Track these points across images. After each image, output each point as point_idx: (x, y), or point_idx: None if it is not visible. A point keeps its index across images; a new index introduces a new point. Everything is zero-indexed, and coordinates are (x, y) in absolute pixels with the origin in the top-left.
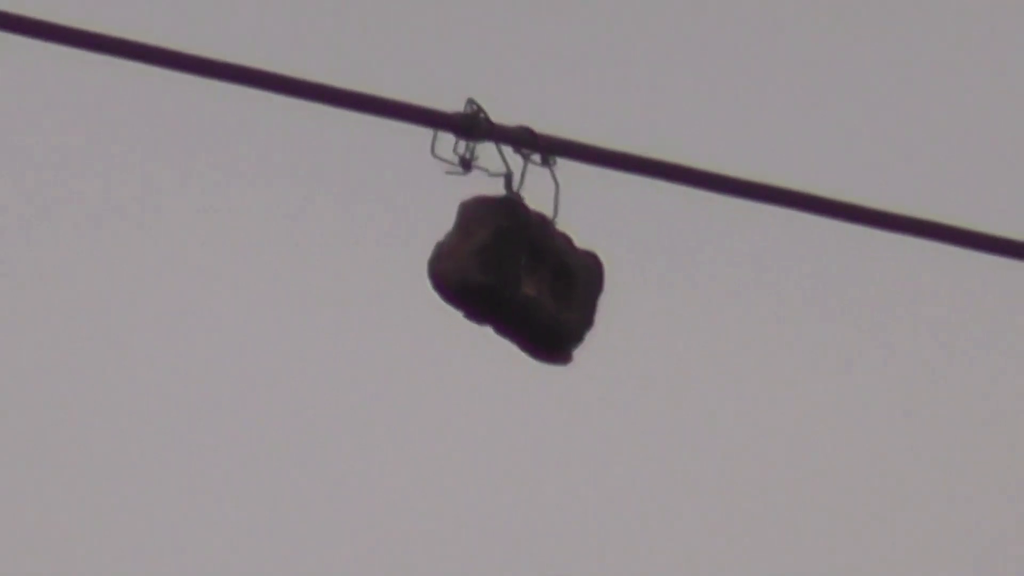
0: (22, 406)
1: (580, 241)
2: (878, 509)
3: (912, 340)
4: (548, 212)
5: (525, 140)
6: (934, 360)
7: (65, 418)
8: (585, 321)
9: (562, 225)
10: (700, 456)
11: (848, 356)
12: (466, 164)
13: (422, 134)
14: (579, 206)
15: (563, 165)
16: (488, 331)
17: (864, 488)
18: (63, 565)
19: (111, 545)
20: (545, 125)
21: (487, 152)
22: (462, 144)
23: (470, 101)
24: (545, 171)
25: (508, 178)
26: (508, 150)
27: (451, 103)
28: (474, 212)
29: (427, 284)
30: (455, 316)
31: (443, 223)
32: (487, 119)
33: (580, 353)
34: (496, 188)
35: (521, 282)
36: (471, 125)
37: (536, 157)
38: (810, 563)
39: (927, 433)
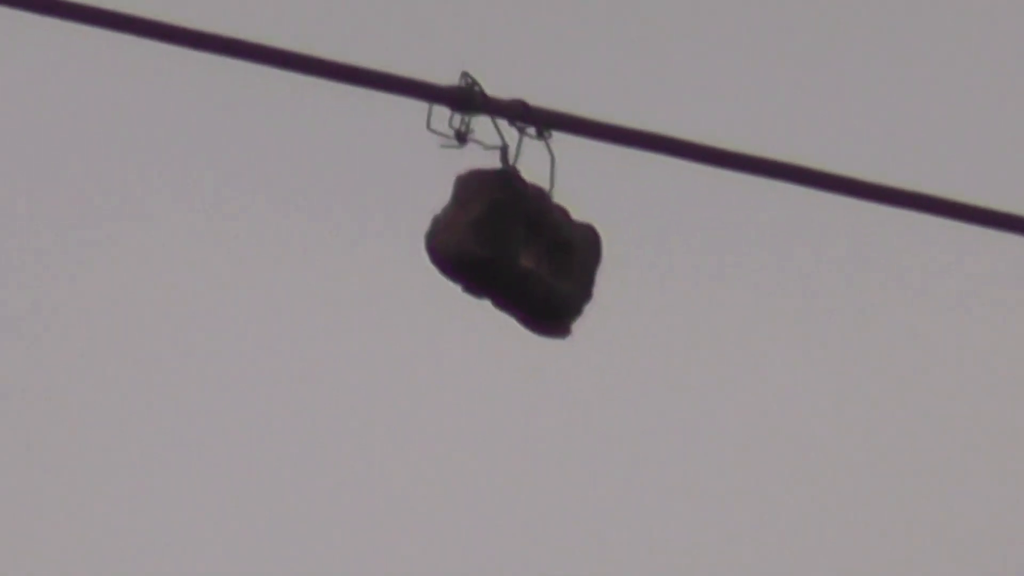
0: (22, 407)
1: (576, 213)
2: (879, 487)
3: (911, 315)
4: (544, 185)
5: (520, 113)
6: (932, 335)
7: (69, 418)
8: (583, 294)
9: (558, 197)
10: (696, 429)
11: (846, 330)
12: (461, 137)
13: (417, 108)
14: (575, 179)
15: (558, 138)
16: (487, 305)
17: (862, 468)
18: (66, 565)
19: (117, 546)
20: (540, 98)
21: (482, 125)
22: (457, 118)
23: (464, 75)
24: (541, 144)
25: (504, 151)
26: (503, 123)
27: (446, 77)
28: (470, 185)
29: (425, 257)
30: (454, 290)
31: (439, 197)
32: (482, 92)
33: (578, 326)
34: (492, 161)
35: (519, 255)
36: (466, 99)
37: (531, 130)
38: (808, 544)
39: (923, 409)
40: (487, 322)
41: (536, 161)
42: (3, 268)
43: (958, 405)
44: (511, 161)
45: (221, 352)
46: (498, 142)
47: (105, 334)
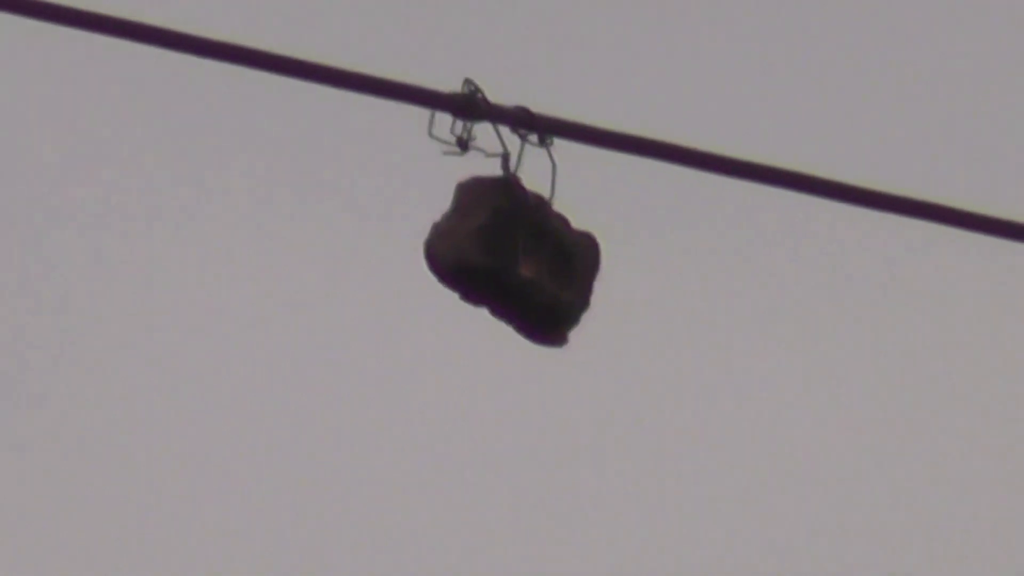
0: (23, 404)
1: (576, 221)
2: (873, 490)
3: (904, 320)
4: (545, 192)
5: (522, 120)
6: (924, 339)
7: (83, 415)
8: (581, 303)
9: (559, 205)
10: (694, 434)
11: (841, 334)
12: (463, 144)
13: (419, 114)
14: (576, 186)
15: (560, 145)
16: (484, 313)
17: (857, 470)
18: (68, 564)
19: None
20: (542, 105)
21: (484, 132)
22: (459, 124)
23: (467, 81)
24: (542, 152)
25: (505, 158)
26: (505, 131)
27: (448, 83)
28: (471, 193)
29: (423, 265)
30: (451, 297)
31: (440, 204)
32: (484, 99)
33: (575, 334)
34: (493, 169)
35: (519, 264)
36: (468, 105)
37: (533, 137)
38: (803, 547)
39: (914, 411)
40: (484, 330)
41: (537, 168)
42: (12, 269)
43: (948, 407)
44: (512, 169)
45: (222, 356)
46: (500, 149)
47: (121, 337)
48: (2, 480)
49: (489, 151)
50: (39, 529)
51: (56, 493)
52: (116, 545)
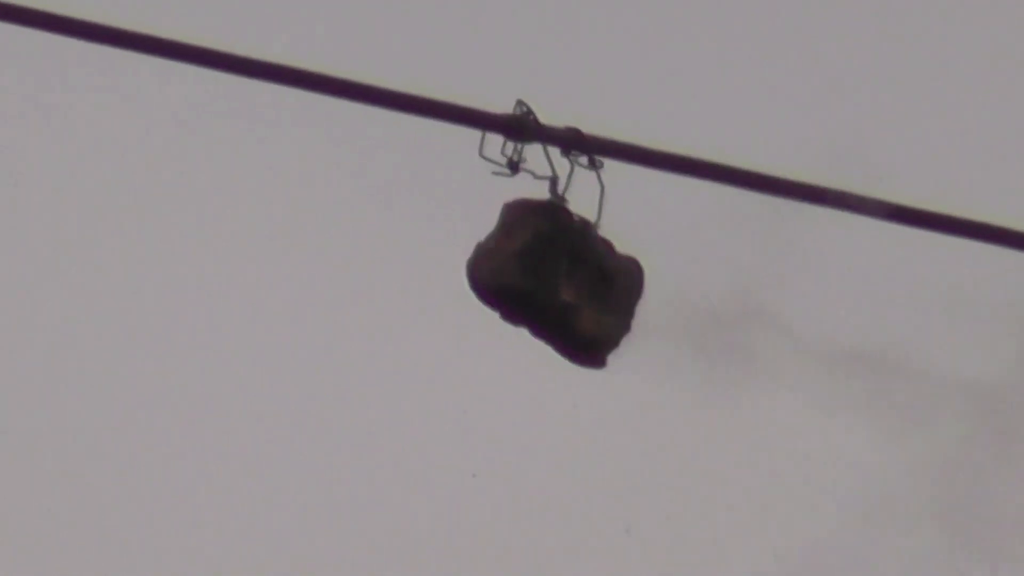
0: (24, 400)
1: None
2: None
3: None
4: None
5: (573, 141)
6: None
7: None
8: (622, 326)
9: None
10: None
11: None
12: (513, 166)
13: (471, 135)
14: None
15: (610, 167)
16: (524, 332)
17: None
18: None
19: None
20: (595, 127)
21: (537, 153)
22: (510, 146)
23: (520, 102)
24: (592, 174)
25: (553, 182)
26: (556, 153)
27: (500, 104)
28: (516, 214)
29: (465, 283)
30: (492, 316)
31: (487, 224)
32: (535, 120)
33: (614, 357)
34: (544, 190)
35: (559, 287)
36: (519, 126)
37: (584, 159)
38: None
39: None
40: (515, 344)
41: (588, 190)
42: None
43: None
44: (560, 192)
45: (280, 364)
46: (550, 172)
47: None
48: (2, 480)
49: (539, 173)
50: (39, 529)
51: (56, 493)
52: (116, 545)
